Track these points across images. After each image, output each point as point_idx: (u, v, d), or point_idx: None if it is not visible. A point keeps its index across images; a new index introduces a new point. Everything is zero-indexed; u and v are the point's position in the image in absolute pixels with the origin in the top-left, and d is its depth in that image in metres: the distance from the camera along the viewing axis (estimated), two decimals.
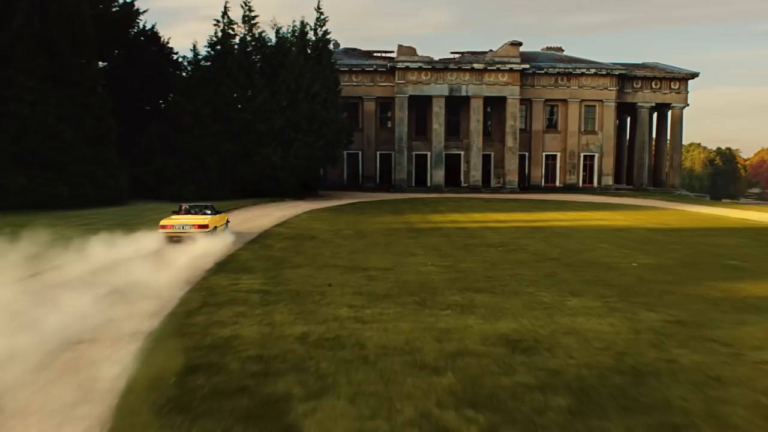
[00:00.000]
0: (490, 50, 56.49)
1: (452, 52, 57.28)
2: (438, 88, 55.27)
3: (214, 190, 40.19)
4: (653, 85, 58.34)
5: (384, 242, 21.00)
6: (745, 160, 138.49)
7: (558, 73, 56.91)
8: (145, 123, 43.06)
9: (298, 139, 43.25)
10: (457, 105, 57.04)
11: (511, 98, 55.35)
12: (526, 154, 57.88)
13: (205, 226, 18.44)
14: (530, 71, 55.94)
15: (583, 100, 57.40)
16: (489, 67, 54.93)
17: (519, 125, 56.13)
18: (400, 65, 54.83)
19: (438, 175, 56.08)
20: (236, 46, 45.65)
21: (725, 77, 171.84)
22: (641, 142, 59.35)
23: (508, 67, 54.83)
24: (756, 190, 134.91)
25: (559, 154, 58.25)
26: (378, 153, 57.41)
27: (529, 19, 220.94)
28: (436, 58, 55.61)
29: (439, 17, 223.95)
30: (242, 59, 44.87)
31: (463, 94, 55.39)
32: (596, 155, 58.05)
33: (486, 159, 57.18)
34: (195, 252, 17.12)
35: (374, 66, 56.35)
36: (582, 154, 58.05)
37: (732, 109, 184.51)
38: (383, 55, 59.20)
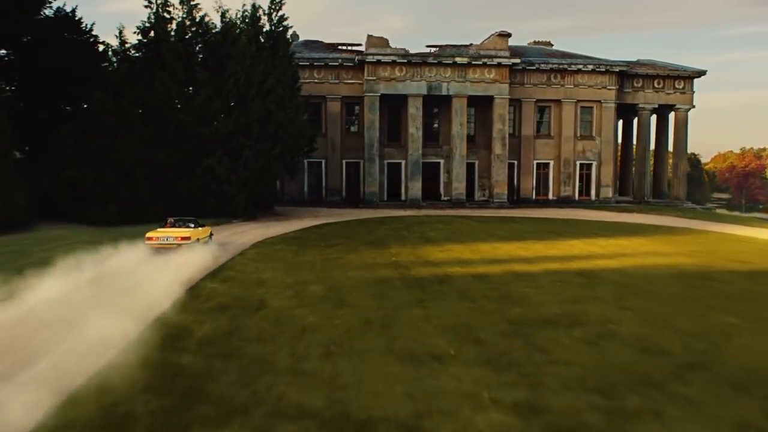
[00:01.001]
0: (471, 44, 48.65)
1: (428, 46, 49.42)
2: (415, 86, 47.26)
3: (144, 209, 32.18)
4: (656, 84, 51.26)
5: (378, 319, 12.87)
6: (704, 165, 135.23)
7: (551, 70, 49.43)
8: (64, 127, 34.53)
9: (248, 146, 35.02)
10: (436, 106, 49.17)
11: (498, 98, 47.63)
12: (515, 162, 50.12)
13: (188, 238, 19.99)
14: (520, 67, 48.33)
15: (579, 101, 49.92)
16: (474, 62, 47.12)
17: (508, 129, 48.47)
18: (370, 59, 46.69)
19: (415, 188, 47.97)
20: (173, 32, 37.21)
21: None
22: (643, 148, 52.32)
23: (495, 61, 47.09)
24: (726, 196, 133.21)
25: (552, 163, 50.69)
26: (344, 161, 49.11)
27: (490, 24, 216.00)
28: (412, 51, 47.69)
29: (398, 22, 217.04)
30: (180, 48, 36.43)
31: (444, 92, 47.49)
32: (594, 163, 50.66)
33: (470, 168, 49.27)
34: (55, 360, 9.73)
35: (340, 60, 48.11)
36: (578, 163, 50.56)
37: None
38: (350, 48, 50.82)
